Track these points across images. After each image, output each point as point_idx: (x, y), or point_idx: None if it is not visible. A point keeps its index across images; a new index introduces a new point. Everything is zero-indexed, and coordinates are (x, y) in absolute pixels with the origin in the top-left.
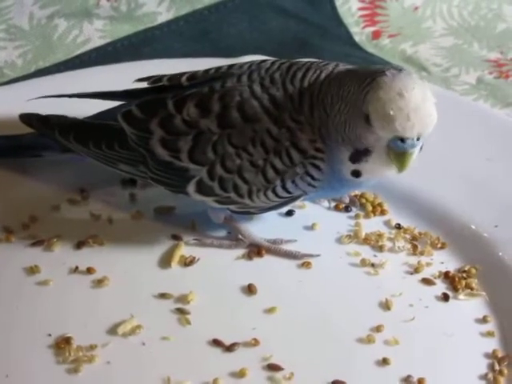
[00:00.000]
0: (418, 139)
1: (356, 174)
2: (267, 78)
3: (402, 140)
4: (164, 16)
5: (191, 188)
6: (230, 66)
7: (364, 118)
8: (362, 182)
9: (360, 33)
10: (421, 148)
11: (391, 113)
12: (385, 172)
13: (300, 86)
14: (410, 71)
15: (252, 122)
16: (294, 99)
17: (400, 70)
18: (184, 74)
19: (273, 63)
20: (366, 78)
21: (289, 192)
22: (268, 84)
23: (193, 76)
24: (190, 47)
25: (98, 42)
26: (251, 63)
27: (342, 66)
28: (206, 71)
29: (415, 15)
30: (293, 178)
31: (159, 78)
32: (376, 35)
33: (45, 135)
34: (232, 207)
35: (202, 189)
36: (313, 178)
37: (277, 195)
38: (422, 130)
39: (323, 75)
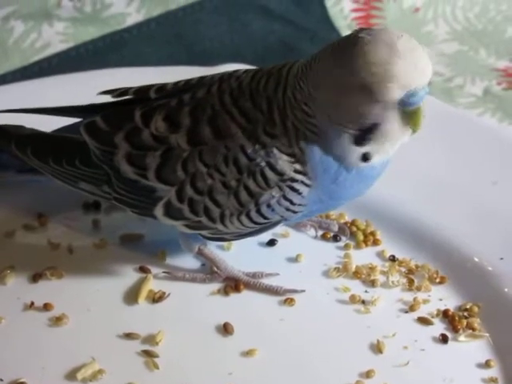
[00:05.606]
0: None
1: (366, 157)
2: (236, 87)
3: (413, 94)
4: (134, 18)
5: (159, 210)
6: (202, 77)
7: (360, 89)
8: (367, 173)
9: None
10: None
11: (396, 68)
12: (395, 145)
13: (266, 94)
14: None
15: (224, 137)
16: (263, 110)
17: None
18: (152, 86)
19: (245, 71)
20: (340, 51)
21: (265, 217)
22: (237, 94)
23: (162, 88)
24: (163, 53)
25: (58, 46)
26: (224, 73)
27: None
28: (176, 83)
29: (415, 18)
30: (268, 202)
31: (125, 91)
32: None
33: None
34: (204, 233)
35: (170, 211)
36: (292, 202)
37: (251, 220)
38: (430, 74)
39: (283, 77)
